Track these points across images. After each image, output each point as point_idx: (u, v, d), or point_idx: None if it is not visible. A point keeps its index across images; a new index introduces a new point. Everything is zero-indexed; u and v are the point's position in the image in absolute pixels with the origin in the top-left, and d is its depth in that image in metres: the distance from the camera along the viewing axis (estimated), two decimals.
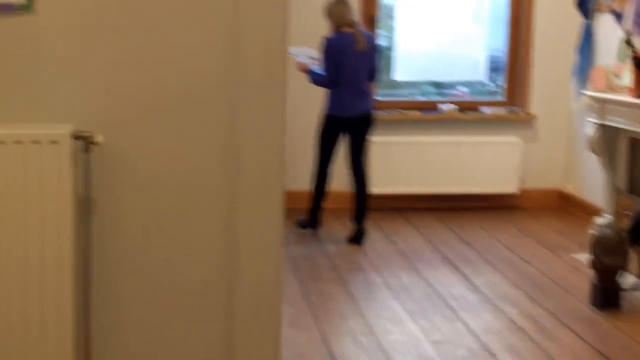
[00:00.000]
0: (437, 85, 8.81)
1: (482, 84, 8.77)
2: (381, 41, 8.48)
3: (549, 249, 6.92)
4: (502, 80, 8.55)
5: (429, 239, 7.23)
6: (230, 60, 3.45)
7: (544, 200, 8.40)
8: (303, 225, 7.45)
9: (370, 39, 7.18)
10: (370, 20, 8.22)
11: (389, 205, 8.21)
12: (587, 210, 7.82)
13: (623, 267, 5.58)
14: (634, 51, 6.25)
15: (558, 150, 8.40)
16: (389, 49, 8.58)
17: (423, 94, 8.73)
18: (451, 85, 8.72)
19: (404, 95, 8.74)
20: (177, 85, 3.44)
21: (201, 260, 3.48)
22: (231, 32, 3.44)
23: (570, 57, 8.11)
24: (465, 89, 8.66)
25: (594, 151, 6.75)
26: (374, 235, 7.33)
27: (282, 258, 3.54)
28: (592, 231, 6.57)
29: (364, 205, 7.18)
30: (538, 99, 8.34)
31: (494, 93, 8.68)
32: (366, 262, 6.60)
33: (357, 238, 7.14)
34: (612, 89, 6.72)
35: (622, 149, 6.56)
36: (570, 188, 8.23)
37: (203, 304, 3.48)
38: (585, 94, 7.76)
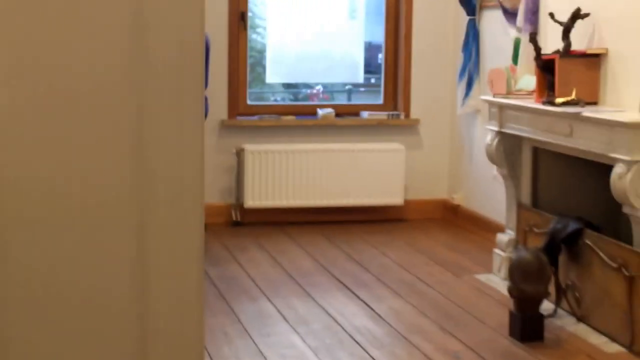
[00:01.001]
0: (309, 87, 8.23)
1: (361, 85, 8.24)
2: (254, 41, 7.84)
3: (447, 269, 6.42)
4: (380, 81, 8.02)
5: (316, 259, 6.63)
6: (136, 55, 2.80)
7: (430, 211, 7.92)
8: None
9: None
10: (240, 16, 7.56)
11: (267, 220, 7.60)
12: (477, 223, 7.38)
13: (545, 295, 5.11)
14: (537, 51, 5.80)
15: (443, 157, 7.93)
16: (261, 49, 7.95)
17: (299, 98, 8.15)
18: (329, 88, 8.16)
19: (277, 100, 8.13)
20: (73, 87, 2.77)
21: (110, 282, 2.84)
22: (136, 24, 2.78)
23: (453, 56, 7.66)
24: (319, 87, 8.09)
25: (493, 161, 6.29)
26: (257, 256, 6.70)
27: (202, 278, 2.97)
28: (499, 251, 6.13)
29: None
30: (420, 102, 7.86)
31: (372, 94, 8.15)
32: (254, 288, 5.96)
33: None
34: (509, 93, 6.26)
35: (525, 159, 6.12)
36: (457, 198, 7.76)
37: (113, 327, 2.85)
38: (470, 98, 7.35)
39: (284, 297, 5.80)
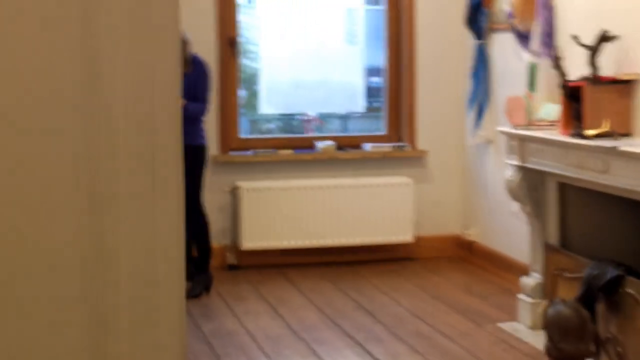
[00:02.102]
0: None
1: (362, 115, 7.69)
2: (245, 68, 7.29)
3: (467, 317, 5.84)
4: (382, 111, 7.47)
5: (321, 308, 6.05)
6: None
7: (442, 248, 7.35)
8: None
9: (196, 61, 6.27)
10: (230, 42, 7.00)
11: (265, 262, 7.03)
12: (495, 262, 6.81)
13: (588, 355, 4.54)
14: (563, 77, 5.26)
15: (454, 190, 7.36)
16: (253, 77, 7.39)
17: (293, 126, 7.59)
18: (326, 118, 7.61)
19: (272, 132, 7.58)
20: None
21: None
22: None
23: (461, 83, 7.11)
24: (312, 114, 7.54)
25: (515, 198, 5.72)
26: (256, 306, 6.12)
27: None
28: (524, 297, 5.55)
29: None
30: (427, 132, 7.29)
31: (370, 119, 7.60)
32: (254, 348, 5.37)
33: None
34: (530, 123, 5.70)
35: (551, 196, 5.56)
36: (471, 234, 7.19)
37: None
38: (480, 127, 6.82)
39: (287, 356, 5.22)
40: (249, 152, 7.10)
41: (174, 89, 2.64)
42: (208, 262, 6.39)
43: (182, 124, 5.90)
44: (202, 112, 6.26)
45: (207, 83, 6.29)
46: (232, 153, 7.08)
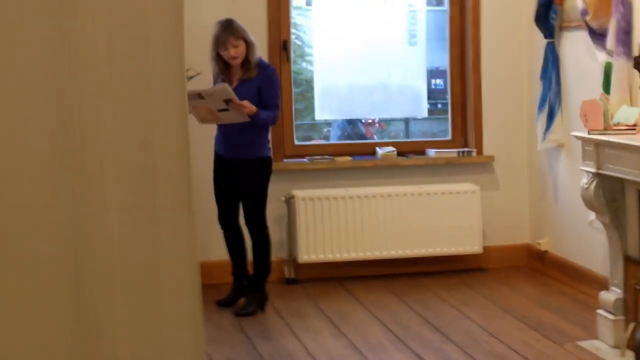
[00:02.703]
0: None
1: (424, 120, 7.33)
2: (299, 72, 6.97)
3: (543, 334, 5.46)
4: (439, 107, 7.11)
5: (386, 324, 5.70)
6: None
7: (511, 258, 6.97)
8: (225, 303, 6.10)
9: (262, 65, 5.96)
10: (282, 46, 6.67)
11: (325, 275, 6.71)
12: (569, 273, 6.43)
13: None
14: None
15: (523, 198, 6.98)
16: (308, 81, 7.06)
17: (353, 136, 7.26)
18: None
19: (329, 138, 7.25)
20: None
21: None
22: None
23: (530, 85, 6.74)
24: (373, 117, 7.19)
25: (591, 207, 5.34)
26: (317, 323, 5.78)
27: None
28: (604, 313, 5.16)
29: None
30: (493, 137, 6.92)
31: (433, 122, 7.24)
32: None
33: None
34: (607, 128, 5.30)
35: (632, 205, 5.17)
36: (543, 244, 6.79)
37: None
38: (551, 131, 6.45)
39: None
40: (305, 160, 6.78)
41: (177, 102, 2.30)
42: (265, 280, 6.04)
43: (247, 133, 5.62)
44: (273, 120, 5.89)
45: (276, 88, 5.90)
46: (287, 160, 6.76)
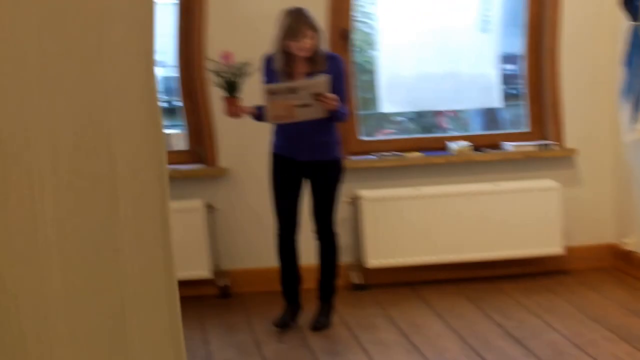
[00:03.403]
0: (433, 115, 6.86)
1: (500, 110, 6.81)
2: (362, 62, 6.51)
3: (636, 346, 4.93)
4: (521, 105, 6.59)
5: (463, 337, 5.21)
6: None
7: (595, 259, 6.44)
8: (283, 324, 5.50)
9: (329, 57, 5.36)
10: (343, 34, 6.22)
11: (395, 280, 6.27)
12: None
13: None
14: None
15: (607, 194, 6.44)
16: (372, 72, 6.59)
17: (423, 130, 6.77)
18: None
19: (396, 133, 6.77)
20: None
21: None
22: None
23: (613, 71, 6.19)
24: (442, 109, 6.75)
25: None
26: (388, 336, 5.32)
27: None
28: None
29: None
30: (575, 128, 6.38)
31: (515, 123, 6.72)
32: None
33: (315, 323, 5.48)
34: None
35: None
36: (630, 244, 6.24)
37: None
38: (639, 121, 5.90)
39: None
40: (371, 157, 6.32)
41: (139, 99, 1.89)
42: (335, 291, 5.56)
43: (321, 133, 5.08)
44: (348, 115, 5.40)
45: (346, 80, 5.39)
46: (351, 158, 6.29)
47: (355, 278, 6.28)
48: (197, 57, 6.00)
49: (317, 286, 5.55)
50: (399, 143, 6.49)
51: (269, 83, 5.21)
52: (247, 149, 6.10)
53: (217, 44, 5.86)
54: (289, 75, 5.22)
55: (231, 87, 5.18)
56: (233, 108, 5.24)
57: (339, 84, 5.21)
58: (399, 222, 6.19)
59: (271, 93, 5.03)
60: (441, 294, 6.04)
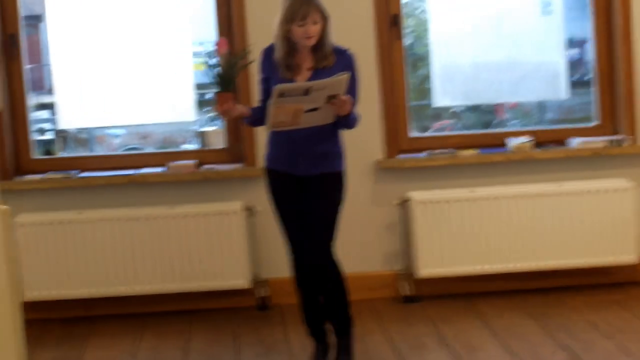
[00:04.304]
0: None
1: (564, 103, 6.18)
2: (413, 51, 5.94)
3: None
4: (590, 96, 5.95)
5: None
6: None
7: None
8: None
9: (338, 51, 4.52)
10: (392, 21, 5.65)
11: (449, 292, 5.74)
12: None
13: None
14: None
15: None
16: (423, 62, 6.00)
17: (480, 125, 6.21)
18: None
19: (450, 125, 6.25)
20: None
21: None
22: None
23: None
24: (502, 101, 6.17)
25: None
26: (439, 357, 4.71)
27: None
28: None
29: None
30: None
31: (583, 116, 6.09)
32: None
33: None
34: None
35: None
36: None
37: None
38: None
39: None
40: (422, 155, 5.76)
41: None
42: (351, 321, 4.67)
43: (323, 141, 4.29)
44: (358, 120, 4.53)
45: (358, 79, 4.51)
46: (400, 156, 5.75)
47: (405, 289, 5.72)
48: (239, 48, 5.44)
49: (329, 322, 4.68)
50: (453, 139, 5.90)
51: (267, 79, 4.47)
52: None
53: (258, 34, 5.34)
54: (291, 69, 4.43)
55: (224, 81, 4.36)
56: (225, 105, 4.38)
57: (351, 84, 4.39)
58: (453, 226, 5.63)
59: (281, 95, 4.16)
60: (499, 307, 5.45)
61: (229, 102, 4.38)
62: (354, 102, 4.37)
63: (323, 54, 4.41)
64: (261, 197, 5.35)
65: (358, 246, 5.71)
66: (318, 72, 4.38)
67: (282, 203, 4.51)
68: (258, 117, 4.46)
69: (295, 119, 4.25)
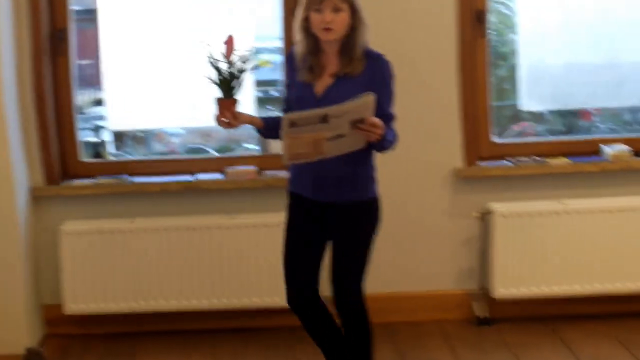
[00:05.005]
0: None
1: None
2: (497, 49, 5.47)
3: None
4: None
5: None
6: None
7: None
8: None
9: (371, 56, 3.88)
10: (477, 17, 5.24)
11: (528, 315, 5.27)
12: None
13: None
14: None
15: None
16: (509, 61, 5.60)
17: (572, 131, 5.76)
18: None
19: (537, 134, 5.77)
20: None
21: None
22: None
23: None
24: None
25: None
26: None
27: None
28: None
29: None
30: None
31: None
32: None
33: None
34: None
35: None
36: None
37: None
38: None
39: None
40: (506, 163, 5.30)
41: None
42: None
43: (349, 164, 3.76)
44: (396, 141, 3.90)
45: (393, 91, 3.87)
46: (481, 164, 5.30)
47: (479, 310, 5.28)
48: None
49: None
50: (541, 146, 5.45)
51: (289, 85, 3.90)
52: None
53: None
54: (313, 71, 3.82)
55: (228, 86, 3.77)
56: (227, 114, 3.77)
57: (384, 96, 3.79)
58: (538, 242, 5.17)
59: (292, 125, 3.57)
60: (585, 333, 4.99)
61: (231, 111, 3.78)
62: (385, 119, 3.74)
63: (349, 57, 3.76)
64: None
65: (429, 262, 5.28)
66: (340, 81, 3.78)
67: (294, 232, 3.95)
68: (274, 128, 3.82)
69: (318, 149, 3.66)
